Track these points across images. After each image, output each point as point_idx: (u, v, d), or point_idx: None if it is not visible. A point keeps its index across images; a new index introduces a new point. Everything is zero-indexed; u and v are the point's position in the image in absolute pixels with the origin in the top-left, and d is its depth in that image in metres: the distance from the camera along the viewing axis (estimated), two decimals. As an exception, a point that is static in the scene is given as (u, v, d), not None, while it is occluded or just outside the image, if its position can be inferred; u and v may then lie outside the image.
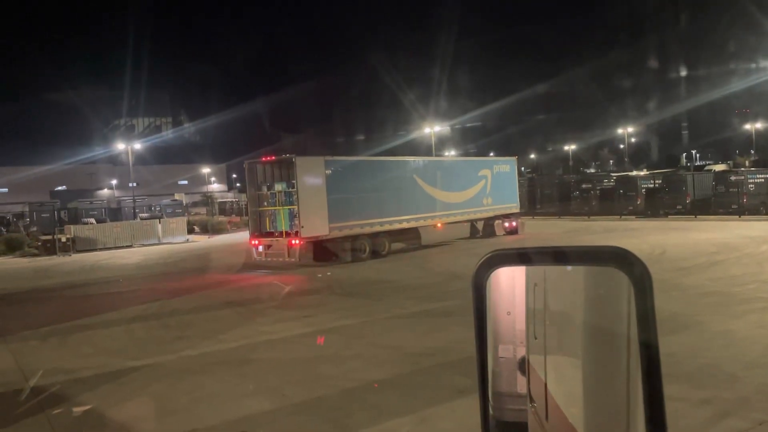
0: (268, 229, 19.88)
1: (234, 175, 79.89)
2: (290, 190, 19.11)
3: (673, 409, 5.49)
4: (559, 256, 1.13)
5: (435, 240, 22.91)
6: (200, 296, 14.96)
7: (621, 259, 0.99)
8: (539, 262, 1.20)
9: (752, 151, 65.44)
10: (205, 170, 77.27)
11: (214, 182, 79.68)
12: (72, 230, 31.96)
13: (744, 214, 29.72)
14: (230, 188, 78.82)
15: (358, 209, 20.06)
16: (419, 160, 24.44)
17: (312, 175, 19.25)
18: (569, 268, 1.18)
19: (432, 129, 52.26)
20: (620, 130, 70.03)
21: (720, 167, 49.39)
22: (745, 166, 50.98)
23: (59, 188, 67.03)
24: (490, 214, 25.55)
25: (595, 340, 1.15)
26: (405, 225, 21.67)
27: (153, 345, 10.08)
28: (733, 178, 32.87)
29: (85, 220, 39.82)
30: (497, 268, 1.14)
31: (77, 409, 6.91)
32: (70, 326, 11.96)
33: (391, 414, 6.18)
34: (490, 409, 1.37)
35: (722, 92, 53.79)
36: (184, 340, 10.22)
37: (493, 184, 25.63)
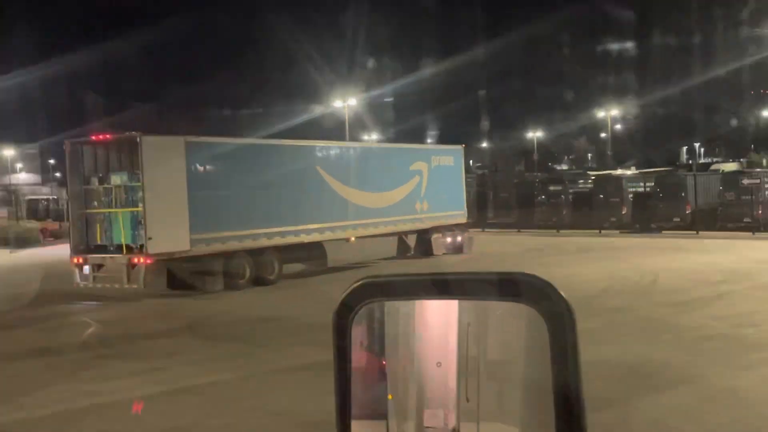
0: (99, 242, 19.39)
1: (51, 161, 77.07)
2: (133, 184, 18.72)
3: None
4: (447, 286, 1.15)
5: (348, 260, 23.01)
6: (-6, 340, 14.34)
7: (531, 290, 1.01)
8: (422, 295, 1.20)
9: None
10: (8, 152, 74.07)
11: (21, 171, 76.60)
12: None
13: (759, 230, 31.50)
14: (46, 180, 75.97)
15: (234, 215, 19.90)
16: (326, 145, 24.55)
17: (166, 164, 18.90)
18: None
19: (345, 102, 52.32)
20: (602, 113, 72.71)
21: (730, 166, 52.15)
22: (762, 166, 54.05)
23: None
24: (426, 224, 25.89)
25: (537, 400, 1.19)
26: (304, 238, 21.67)
27: None
28: (746, 181, 34.73)
29: None
30: (366, 303, 1.14)
31: None
32: None
33: None
34: None
35: (735, 67, 56.88)
36: (-33, 406, 9.76)
37: (430, 183, 25.97)
